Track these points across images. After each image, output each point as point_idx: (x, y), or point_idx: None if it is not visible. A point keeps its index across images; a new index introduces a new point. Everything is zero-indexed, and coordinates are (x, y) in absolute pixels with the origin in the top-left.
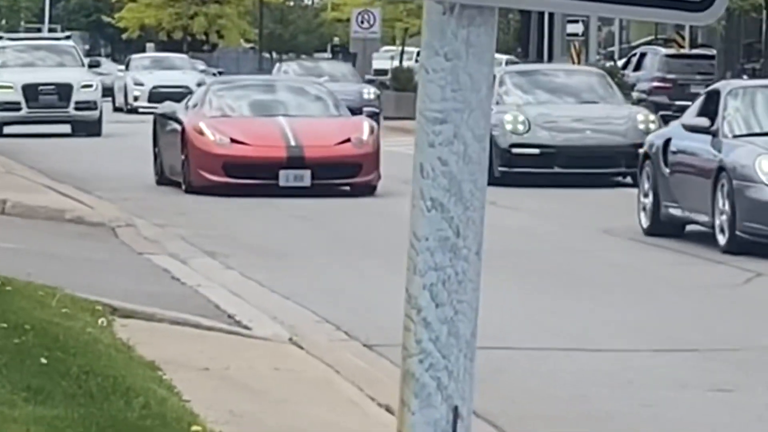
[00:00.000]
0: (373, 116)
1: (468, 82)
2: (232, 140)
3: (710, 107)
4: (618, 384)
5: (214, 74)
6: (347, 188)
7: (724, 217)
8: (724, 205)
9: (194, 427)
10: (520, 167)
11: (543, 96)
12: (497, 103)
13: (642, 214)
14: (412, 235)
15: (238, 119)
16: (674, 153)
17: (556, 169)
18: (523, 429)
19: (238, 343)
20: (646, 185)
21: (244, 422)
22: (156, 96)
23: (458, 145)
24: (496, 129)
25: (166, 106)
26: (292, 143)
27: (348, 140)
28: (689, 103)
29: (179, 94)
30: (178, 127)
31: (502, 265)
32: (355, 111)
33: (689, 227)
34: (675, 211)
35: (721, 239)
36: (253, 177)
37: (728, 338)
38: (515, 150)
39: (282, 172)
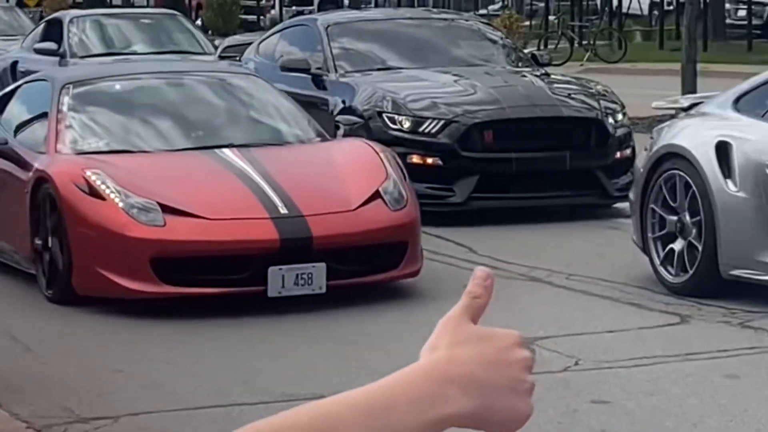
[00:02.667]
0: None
1: None
2: (163, 207)
3: (54, 32)
4: None
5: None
6: (367, 282)
7: None
8: None
9: None
10: None
11: None
12: None
13: None
14: None
15: (154, 158)
16: (23, 73)
17: None
18: None
19: None
20: None
21: None
22: None
23: None
24: None
25: None
26: (282, 210)
27: (377, 195)
28: None
29: None
30: (20, 172)
31: None
32: None
33: None
34: None
35: None
36: (211, 283)
37: None
38: None
39: (273, 271)
